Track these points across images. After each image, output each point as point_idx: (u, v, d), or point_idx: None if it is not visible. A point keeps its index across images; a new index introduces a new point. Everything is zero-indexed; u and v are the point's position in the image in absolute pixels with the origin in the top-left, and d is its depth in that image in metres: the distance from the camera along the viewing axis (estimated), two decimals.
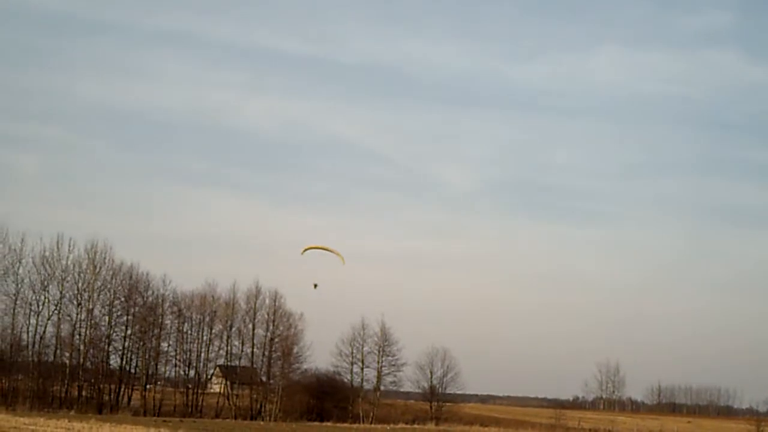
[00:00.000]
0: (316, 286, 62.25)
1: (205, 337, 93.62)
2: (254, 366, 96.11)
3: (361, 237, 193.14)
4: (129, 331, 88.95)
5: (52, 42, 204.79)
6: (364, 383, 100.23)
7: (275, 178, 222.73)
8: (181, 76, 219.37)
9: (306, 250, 58.13)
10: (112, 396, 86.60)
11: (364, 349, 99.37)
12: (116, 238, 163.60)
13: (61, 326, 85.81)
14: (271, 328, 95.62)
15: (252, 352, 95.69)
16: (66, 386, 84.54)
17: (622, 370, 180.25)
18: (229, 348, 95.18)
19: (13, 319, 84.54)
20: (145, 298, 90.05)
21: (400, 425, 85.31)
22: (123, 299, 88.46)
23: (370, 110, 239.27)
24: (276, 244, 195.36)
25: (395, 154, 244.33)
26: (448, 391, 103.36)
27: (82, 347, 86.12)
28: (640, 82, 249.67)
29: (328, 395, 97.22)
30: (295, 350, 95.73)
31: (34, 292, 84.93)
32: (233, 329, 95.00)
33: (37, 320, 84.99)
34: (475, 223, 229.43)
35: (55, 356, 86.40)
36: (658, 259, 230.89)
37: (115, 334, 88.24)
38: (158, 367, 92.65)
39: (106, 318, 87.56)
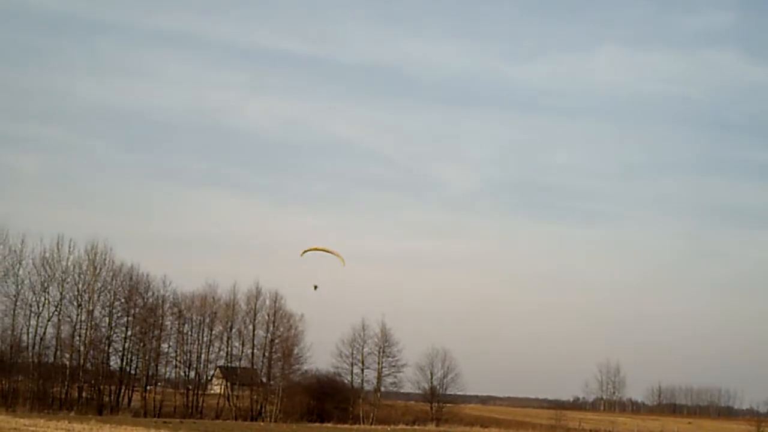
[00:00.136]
0: (316, 287, 62.17)
1: (205, 338, 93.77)
2: (254, 367, 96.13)
3: (361, 237, 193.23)
4: (129, 332, 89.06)
5: (52, 42, 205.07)
6: (365, 384, 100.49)
7: (275, 178, 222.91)
8: (181, 76, 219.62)
9: (306, 251, 58.00)
10: (112, 397, 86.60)
11: (365, 350, 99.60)
12: (116, 238, 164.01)
13: (62, 327, 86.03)
14: (271, 329, 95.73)
15: (252, 353, 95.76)
16: (66, 387, 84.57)
17: (622, 370, 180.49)
18: (229, 349, 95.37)
19: (14, 320, 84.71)
20: (145, 300, 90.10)
21: (401, 426, 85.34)
22: (123, 300, 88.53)
23: (370, 110, 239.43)
24: (276, 244, 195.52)
25: (395, 154, 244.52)
26: (448, 392, 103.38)
27: (82, 348, 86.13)
28: (640, 82, 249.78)
29: (328, 396, 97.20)
30: (295, 351, 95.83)
31: (34, 294, 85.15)
32: (233, 330, 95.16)
33: (37, 321, 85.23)
34: (475, 223, 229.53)
35: (55, 357, 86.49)
36: (658, 259, 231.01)
37: (115, 335, 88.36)
38: (158, 368, 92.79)
39: (107, 319, 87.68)
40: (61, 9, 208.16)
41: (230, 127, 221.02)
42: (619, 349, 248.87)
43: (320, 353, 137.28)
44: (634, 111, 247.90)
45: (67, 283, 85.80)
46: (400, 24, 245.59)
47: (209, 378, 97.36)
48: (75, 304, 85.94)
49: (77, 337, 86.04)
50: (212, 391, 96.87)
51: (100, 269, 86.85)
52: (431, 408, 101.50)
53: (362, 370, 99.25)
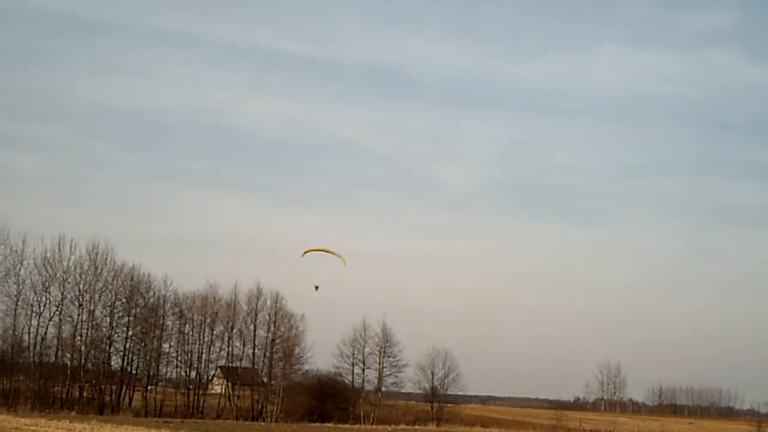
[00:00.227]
0: (317, 288, 62.21)
1: (206, 338, 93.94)
2: (255, 367, 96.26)
3: (361, 237, 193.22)
4: (130, 332, 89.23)
5: (52, 42, 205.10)
6: (365, 384, 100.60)
7: (275, 178, 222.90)
8: (181, 76, 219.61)
9: (306, 252, 58.04)
10: (113, 397, 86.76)
11: (365, 350, 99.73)
12: (116, 238, 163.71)
13: (63, 327, 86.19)
14: (272, 329, 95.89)
15: (253, 353, 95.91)
16: (67, 387, 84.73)
17: (622, 370, 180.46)
18: (230, 349, 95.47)
19: (15, 320, 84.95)
20: (146, 300, 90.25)
21: (401, 426, 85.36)
22: (124, 300, 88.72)
23: (370, 110, 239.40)
24: (276, 244, 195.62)
25: (395, 154, 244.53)
26: (449, 392, 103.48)
27: (83, 348, 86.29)
28: (640, 82, 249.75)
29: (329, 396, 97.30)
30: (296, 351, 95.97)
31: (35, 294, 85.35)
32: (234, 330, 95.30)
33: (38, 321, 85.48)
34: (475, 223, 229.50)
35: (56, 357, 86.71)
36: (658, 259, 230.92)
37: (116, 335, 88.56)
38: (159, 368, 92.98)
39: (108, 319, 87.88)
40: (61, 9, 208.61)
41: (230, 127, 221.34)
42: (620, 349, 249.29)
43: (321, 353, 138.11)
44: (634, 111, 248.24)
45: (69, 283, 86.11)
46: (400, 24, 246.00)
47: (210, 378, 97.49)
48: (76, 304, 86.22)
49: (78, 337, 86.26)
50: (213, 391, 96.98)
51: (101, 269, 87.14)
52: (432, 408, 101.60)
53: (363, 370, 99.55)
